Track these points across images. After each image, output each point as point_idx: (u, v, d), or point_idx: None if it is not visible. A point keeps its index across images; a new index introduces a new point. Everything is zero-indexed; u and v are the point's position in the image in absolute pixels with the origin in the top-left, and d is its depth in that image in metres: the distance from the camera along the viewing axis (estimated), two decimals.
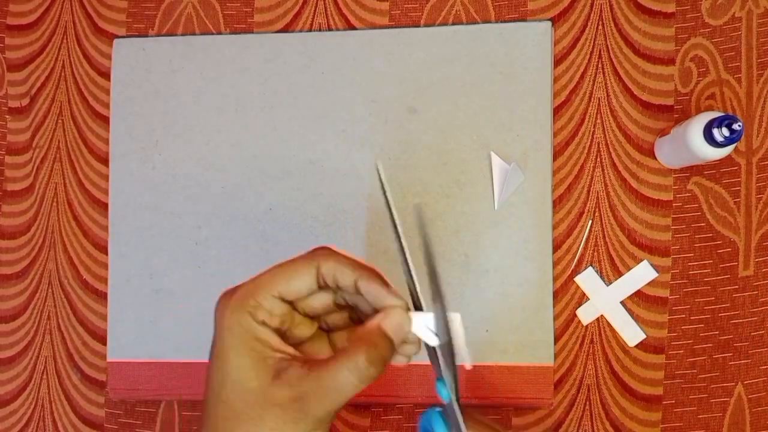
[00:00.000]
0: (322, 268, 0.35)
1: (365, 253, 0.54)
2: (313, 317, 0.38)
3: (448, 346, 0.34)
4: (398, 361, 0.36)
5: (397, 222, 0.35)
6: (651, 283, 0.53)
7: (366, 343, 0.33)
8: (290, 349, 0.35)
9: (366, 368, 0.33)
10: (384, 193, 0.35)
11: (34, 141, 0.59)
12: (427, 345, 0.35)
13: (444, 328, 0.34)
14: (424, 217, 0.35)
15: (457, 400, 0.35)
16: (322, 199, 0.55)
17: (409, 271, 0.35)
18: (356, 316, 0.38)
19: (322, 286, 0.36)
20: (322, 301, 0.37)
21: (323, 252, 0.35)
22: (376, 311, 0.36)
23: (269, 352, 0.34)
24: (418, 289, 0.35)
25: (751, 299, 0.52)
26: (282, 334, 0.36)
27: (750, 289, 0.52)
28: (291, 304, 0.36)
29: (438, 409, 0.37)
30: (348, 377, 0.33)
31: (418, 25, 0.56)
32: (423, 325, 0.35)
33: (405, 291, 0.36)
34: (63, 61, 0.59)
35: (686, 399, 0.52)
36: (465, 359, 0.34)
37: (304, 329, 0.37)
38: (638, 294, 0.53)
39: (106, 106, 0.58)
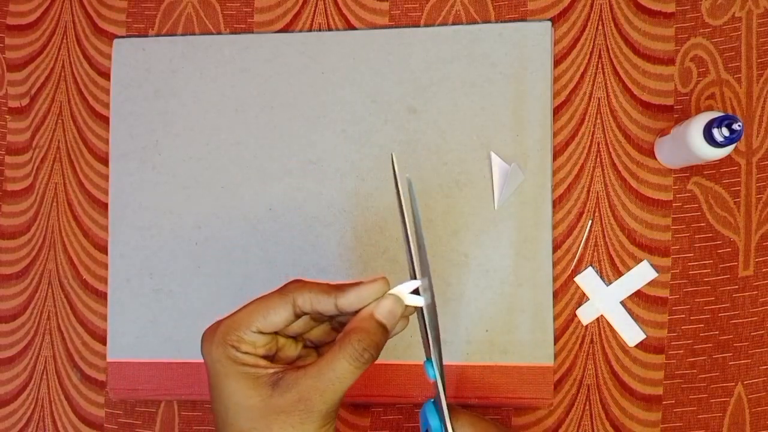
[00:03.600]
0: (297, 301, 0.36)
1: (365, 253, 0.54)
2: (296, 337, 0.39)
3: (433, 313, 0.36)
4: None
5: (404, 204, 0.37)
6: (651, 283, 0.53)
7: (360, 332, 0.35)
8: (280, 366, 0.37)
9: (361, 354, 0.35)
10: (396, 184, 0.37)
11: (34, 141, 0.59)
12: (419, 318, 0.38)
13: (430, 293, 0.36)
14: (414, 192, 0.38)
15: (441, 375, 0.37)
16: (322, 199, 0.55)
17: (409, 245, 0.37)
18: (336, 324, 0.40)
19: (300, 315, 0.37)
20: (300, 323, 0.38)
21: (296, 285, 0.37)
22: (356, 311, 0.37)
23: (261, 371, 0.36)
24: (416, 261, 0.37)
25: (751, 299, 0.52)
26: (270, 358, 0.37)
27: (750, 289, 0.52)
28: (274, 334, 0.37)
29: (431, 400, 0.39)
30: (346, 365, 0.35)
31: (418, 25, 0.56)
32: (408, 293, 0.37)
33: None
34: (63, 61, 0.59)
35: (686, 399, 0.52)
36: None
37: (290, 350, 0.39)
38: (638, 294, 0.53)
39: (106, 106, 0.58)
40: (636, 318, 0.53)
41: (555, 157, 0.54)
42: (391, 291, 0.37)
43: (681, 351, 0.52)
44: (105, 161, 0.58)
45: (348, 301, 0.36)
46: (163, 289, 0.56)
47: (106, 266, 0.57)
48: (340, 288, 0.37)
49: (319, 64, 0.56)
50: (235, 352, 0.36)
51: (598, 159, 0.54)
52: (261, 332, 0.36)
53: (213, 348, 0.36)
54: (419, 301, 0.37)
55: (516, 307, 0.53)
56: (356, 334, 0.35)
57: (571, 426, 0.53)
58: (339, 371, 0.35)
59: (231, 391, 0.35)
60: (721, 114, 0.45)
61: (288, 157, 0.56)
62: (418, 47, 0.55)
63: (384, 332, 0.36)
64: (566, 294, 0.54)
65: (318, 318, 0.39)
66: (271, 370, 0.36)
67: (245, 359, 0.36)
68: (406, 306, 0.37)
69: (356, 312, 0.37)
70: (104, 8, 0.59)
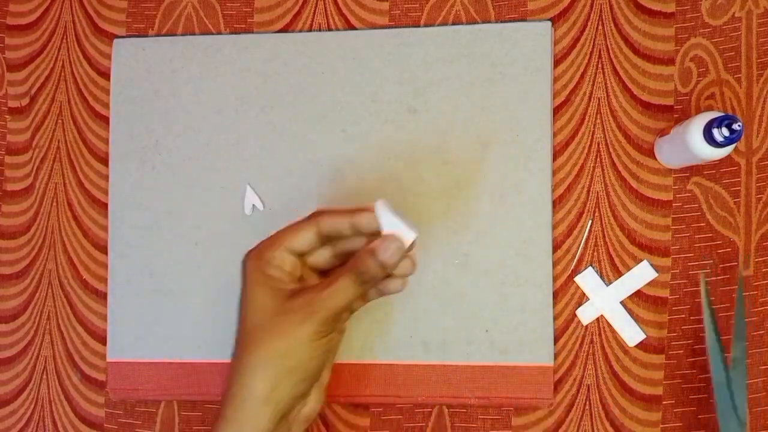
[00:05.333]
0: (320, 224, 0.44)
1: None
2: (318, 272, 0.47)
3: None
4: (394, 286, 0.46)
5: None
6: (651, 283, 0.53)
7: (358, 260, 0.43)
8: (300, 285, 0.45)
9: (357, 277, 0.43)
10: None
11: (34, 141, 0.59)
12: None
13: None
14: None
15: None
16: (322, 199, 0.55)
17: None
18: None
19: (325, 242, 0.46)
20: (324, 256, 0.46)
21: (319, 211, 0.45)
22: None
23: (284, 285, 0.44)
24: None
25: (751, 299, 0.52)
26: (295, 281, 0.45)
27: (750, 289, 0.52)
28: (300, 257, 0.45)
29: None
30: (344, 283, 0.42)
31: (418, 25, 0.56)
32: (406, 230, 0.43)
33: None
34: (63, 61, 0.59)
35: (686, 399, 0.52)
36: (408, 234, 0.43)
37: (312, 281, 0.47)
38: (638, 294, 0.53)
39: (106, 106, 0.58)
40: (636, 318, 0.53)
41: (555, 157, 0.54)
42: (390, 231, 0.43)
43: (681, 351, 0.52)
44: (105, 161, 0.58)
45: (361, 222, 0.44)
46: (163, 289, 0.56)
47: (106, 266, 0.57)
48: (356, 212, 0.44)
49: (319, 64, 0.56)
50: (266, 266, 0.44)
51: (598, 159, 0.54)
52: (289, 251, 0.44)
53: (250, 262, 0.44)
54: (411, 236, 0.43)
55: (516, 307, 0.53)
56: (357, 261, 0.43)
57: (571, 426, 0.53)
58: (341, 284, 0.42)
59: (255, 295, 0.44)
60: (721, 114, 0.45)
61: (288, 157, 0.56)
62: (418, 47, 0.55)
63: (378, 264, 0.43)
64: (566, 294, 0.54)
65: (340, 253, 0.46)
66: (292, 286, 0.44)
67: (273, 273, 0.44)
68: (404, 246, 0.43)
69: (370, 237, 0.45)
70: (104, 8, 0.59)
